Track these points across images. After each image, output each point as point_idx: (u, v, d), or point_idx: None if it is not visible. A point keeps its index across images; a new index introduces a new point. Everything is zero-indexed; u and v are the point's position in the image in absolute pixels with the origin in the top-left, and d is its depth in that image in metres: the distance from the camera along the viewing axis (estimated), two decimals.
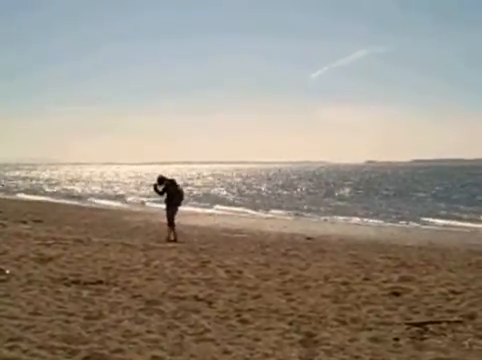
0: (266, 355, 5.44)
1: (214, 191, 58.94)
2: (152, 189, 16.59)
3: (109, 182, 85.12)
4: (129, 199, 43.26)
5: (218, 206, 36.38)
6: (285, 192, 55.77)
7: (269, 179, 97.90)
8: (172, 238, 15.23)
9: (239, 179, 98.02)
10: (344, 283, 8.97)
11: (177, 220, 16.03)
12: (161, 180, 15.79)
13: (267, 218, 28.42)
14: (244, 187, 69.06)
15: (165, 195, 15.74)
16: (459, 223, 26.00)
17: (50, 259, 10.37)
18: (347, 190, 58.23)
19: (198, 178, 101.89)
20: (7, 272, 8.86)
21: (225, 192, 57.49)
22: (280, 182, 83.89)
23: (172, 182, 15.83)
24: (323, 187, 66.32)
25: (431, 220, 27.39)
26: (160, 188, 15.77)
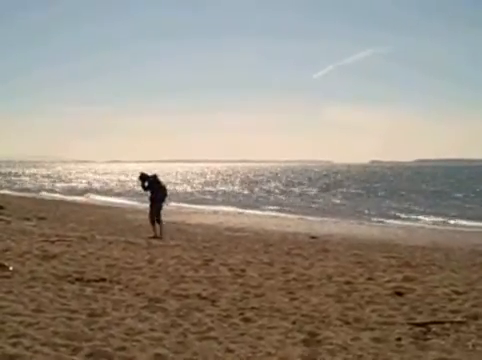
0: (269, 354, 5.44)
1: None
2: (132, 187, 17.10)
3: (95, 179, 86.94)
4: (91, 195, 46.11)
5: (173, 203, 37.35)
6: (247, 191, 56.96)
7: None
8: (158, 235, 15.29)
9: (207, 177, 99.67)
10: (347, 282, 8.96)
11: (165, 217, 16.19)
12: (143, 177, 15.92)
13: (271, 217, 28.42)
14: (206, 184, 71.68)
15: (149, 192, 15.91)
16: (394, 221, 27.33)
17: (54, 256, 10.38)
18: (315, 190, 59.37)
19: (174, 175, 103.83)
20: (11, 269, 8.87)
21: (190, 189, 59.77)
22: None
23: (155, 178, 15.93)
24: (295, 186, 67.94)
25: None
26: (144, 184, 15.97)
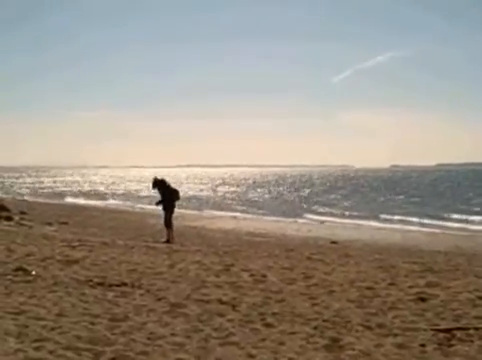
0: (291, 359, 5.41)
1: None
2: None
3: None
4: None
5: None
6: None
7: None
8: (170, 239, 15.33)
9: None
10: (369, 288, 8.88)
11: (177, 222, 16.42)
12: (156, 183, 15.81)
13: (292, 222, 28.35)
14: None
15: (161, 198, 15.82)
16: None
17: (75, 261, 10.46)
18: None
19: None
20: (33, 273, 8.96)
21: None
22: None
23: (163, 182, 15.79)
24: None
25: None
26: (154, 191, 16.13)
